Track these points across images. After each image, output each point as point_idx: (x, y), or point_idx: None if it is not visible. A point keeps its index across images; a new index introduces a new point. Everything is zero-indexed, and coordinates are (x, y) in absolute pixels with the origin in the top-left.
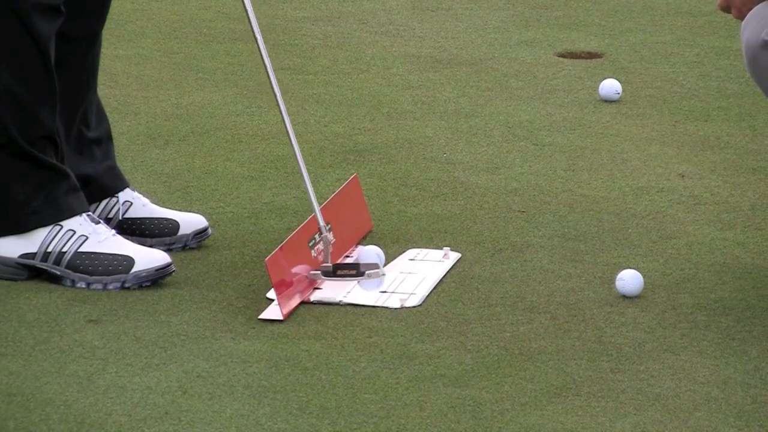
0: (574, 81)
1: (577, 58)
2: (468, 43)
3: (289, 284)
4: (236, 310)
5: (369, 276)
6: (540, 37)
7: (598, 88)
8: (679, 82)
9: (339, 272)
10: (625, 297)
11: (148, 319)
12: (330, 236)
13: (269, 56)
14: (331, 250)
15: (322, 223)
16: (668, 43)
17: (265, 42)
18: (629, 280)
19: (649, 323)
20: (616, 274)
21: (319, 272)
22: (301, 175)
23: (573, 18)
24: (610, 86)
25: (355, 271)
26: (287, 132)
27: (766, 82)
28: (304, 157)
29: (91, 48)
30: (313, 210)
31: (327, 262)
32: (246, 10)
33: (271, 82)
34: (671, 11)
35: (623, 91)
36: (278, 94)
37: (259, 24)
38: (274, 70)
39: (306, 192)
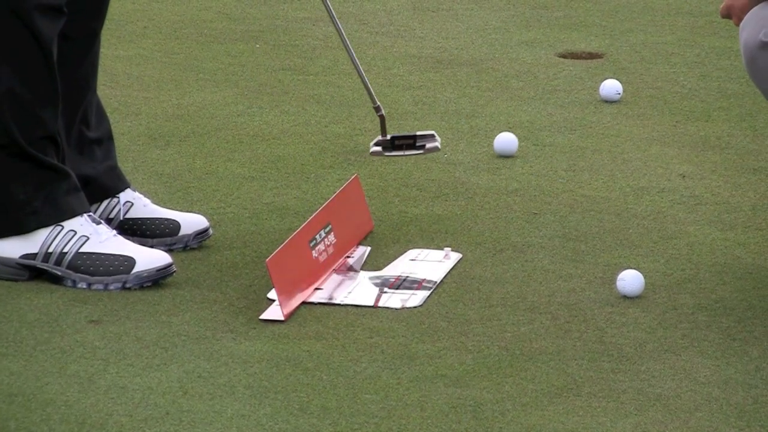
0: (574, 81)
1: (577, 58)
2: (468, 43)
3: (290, 285)
4: (237, 310)
5: (426, 149)
6: (541, 38)
7: (598, 88)
8: (679, 82)
9: (397, 142)
10: (625, 297)
11: (149, 319)
12: (384, 113)
13: (272, 56)
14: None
15: (377, 102)
16: (669, 43)
17: (266, 42)
18: (630, 280)
19: (650, 323)
20: (617, 275)
21: (379, 147)
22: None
23: (573, 18)
24: (611, 86)
25: (413, 140)
26: (359, 73)
27: (765, 83)
28: (303, 157)
29: (90, 48)
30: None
31: (384, 136)
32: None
33: (344, 41)
34: (672, 11)
35: (624, 91)
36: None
37: (260, 24)
38: (274, 71)
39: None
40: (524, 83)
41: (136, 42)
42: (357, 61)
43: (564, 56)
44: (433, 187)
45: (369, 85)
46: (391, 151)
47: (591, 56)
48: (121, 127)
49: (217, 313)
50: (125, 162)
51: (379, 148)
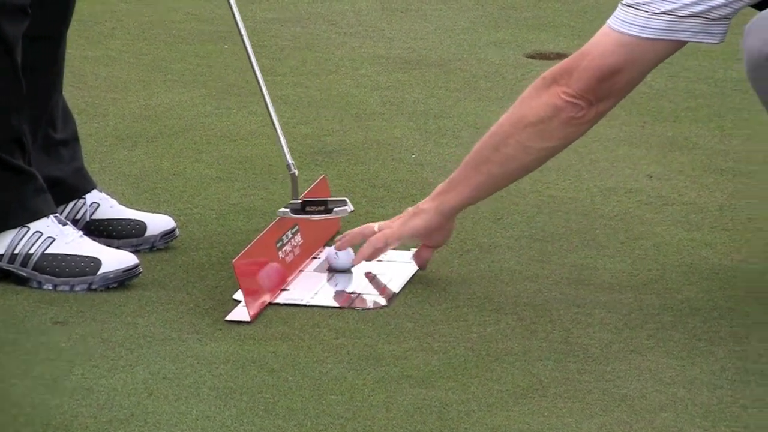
0: None
1: (546, 58)
2: (437, 44)
3: (257, 286)
4: (203, 311)
5: (336, 213)
6: (509, 38)
7: None
8: (647, 82)
9: (308, 208)
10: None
11: (115, 320)
12: (296, 172)
13: (240, 57)
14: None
15: (290, 160)
16: None
17: (234, 43)
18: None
19: (616, 324)
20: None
21: (287, 210)
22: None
23: (542, 19)
24: None
25: (324, 207)
26: (274, 129)
27: (764, 91)
28: (271, 158)
29: (56, 49)
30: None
31: (296, 199)
32: (232, 11)
33: (255, 74)
34: None
35: None
36: (266, 96)
37: (228, 25)
38: (243, 71)
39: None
40: (492, 84)
41: (104, 43)
42: (265, 88)
43: (532, 57)
44: (400, 187)
45: (282, 138)
46: (299, 214)
47: (559, 56)
48: (88, 128)
49: (183, 314)
50: (92, 163)
51: (287, 210)
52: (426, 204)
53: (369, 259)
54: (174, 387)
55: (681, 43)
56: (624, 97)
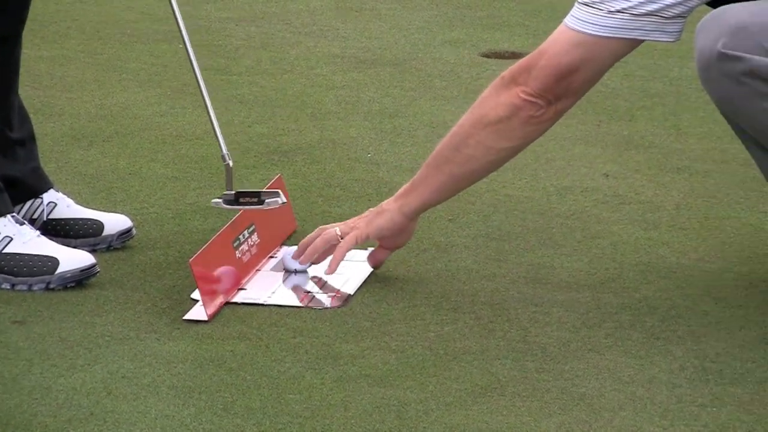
0: None
1: (501, 58)
2: (392, 43)
3: (214, 285)
4: (161, 310)
5: (268, 204)
6: (464, 37)
7: None
8: (603, 81)
9: (241, 200)
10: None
11: (73, 320)
12: (231, 162)
13: (195, 57)
14: (241, 200)
15: (224, 150)
16: None
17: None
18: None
19: (573, 323)
20: (540, 273)
21: (220, 200)
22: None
23: (497, 18)
24: None
25: (257, 198)
26: (210, 120)
27: (715, 92)
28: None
29: (12, 49)
30: (218, 145)
31: (230, 190)
32: (173, 11)
33: (198, 81)
34: None
35: None
36: (204, 92)
37: (184, 25)
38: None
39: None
40: (448, 83)
41: (59, 42)
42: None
43: (487, 56)
44: (356, 187)
45: (217, 129)
46: (232, 204)
47: (514, 56)
48: (44, 127)
49: (141, 313)
50: (48, 162)
51: (219, 200)
52: (389, 205)
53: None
54: (133, 386)
55: (636, 42)
56: (582, 95)
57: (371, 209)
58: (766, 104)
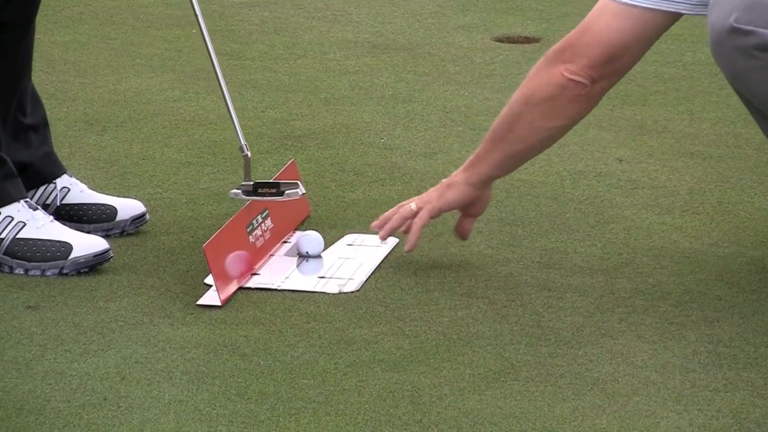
0: (511, 66)
1: (514, 42)
2: (405, 28)
3: (227, 270)
4: (174, 296)
5: (288, 195)
6: (477, 22)
7: None
8: None
9: (260, 190)
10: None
11: (87, 305)
12: (249, 153)
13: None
14: (251, 180)
15: (242, 141)
16: None
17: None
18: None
19: (587, 308)
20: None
21: (239, 191)
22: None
23: (510, 2)
24: None
25: (276, 189)
26: (228, 111)
27: (729, 67)
28: None
29: (25, 34)
30: (233, 124)
31: (248, 180)
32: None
33: (214, 67)
34: None
35: None
36: (221, 78)
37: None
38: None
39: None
40: (461, 68)
41: (73, 27)
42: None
43: (500, 40)
44: (369, 172)
45: (235, 119)
46: (251, 195)
47: (527, 40)
48: (57, 112)
49: (155, 298)
50: (62, 148)
51: (238, 191)
52: (457, 176)
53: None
54: (146, 371)
55: (679, 16)
56: (625, 73)
57: (443, 180)
58: None
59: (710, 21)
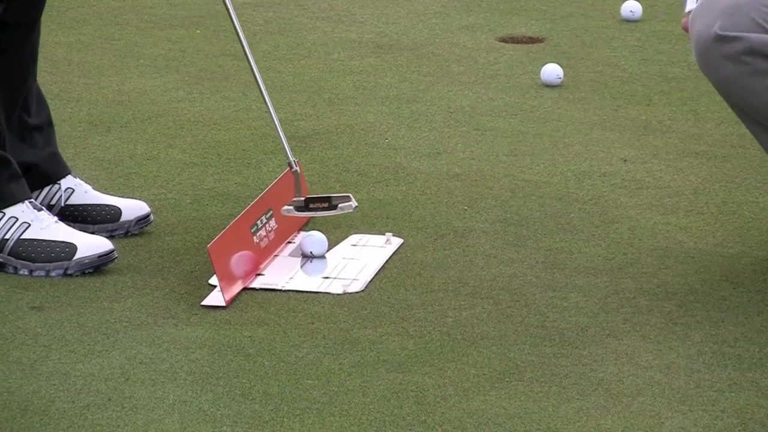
0: (515, 66)
1: (518, 42)
2: (409, 28)
3: (232, 270)
4: (179, 296)
5: (342, 209)
6: (481, 22)
7: (539, 72)
8: (620, 66)
9: (311, 206)
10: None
11: (91, 305)
12: (299, 169)
13: (213, 42)
14: (302, 183)
15: (291, 157)
16: (610, 27)
17: (206, 28)
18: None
19: (591, 308)
20: (558, 258)
21: (291, 207)
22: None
23: (514, 3)
24: (552, 71)
25: (327, 203)
26: (276, 128)
27: (716, 75)
28: (244, 143)
29: (30, 35)
30: (282, 143)
31: (299, 196)
32: (228, 9)
33: (254, 73)
34: None
35: (565, 75)
36: (261, 84)
37: (200, 11)
38: (215, 56)
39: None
40: (465, 68)
41: (77, 28)
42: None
43: (504, 41)
44: (374, 172)
45: (282, 136)
46: (303, 211)
47: (532, 40)
48: (61, 113)
49: (159, 299)
50: (66, 148)
51: (290, 207)
52: None
53: None
54: (150, 372)
55: None
56: None
57: None
58: None
59: (694, 32)
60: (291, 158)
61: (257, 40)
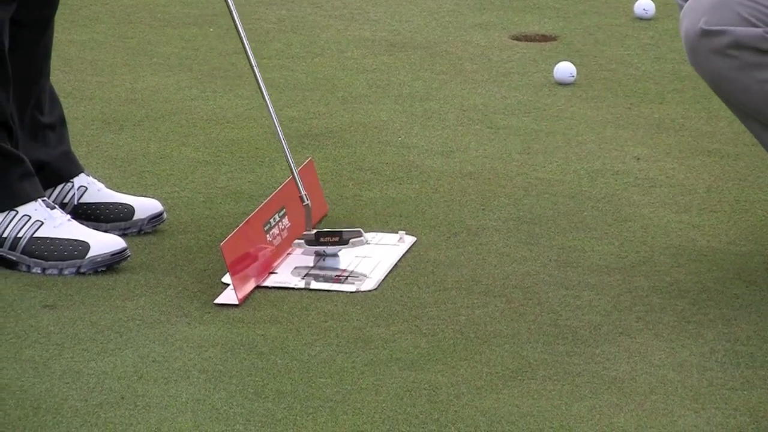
0: (528, 64)
1: (531, 41)
2: (422, 26)
3: (245, 269)
4: (191, 294)
5: (353, 244)
6: (494, 20)
7: (552, 71)
8: (634, 64)
9: (322, 239)
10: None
11: (104, 304)
12: (310, 203)
13: (226, 40)
14: (311, 220)
15: (302, 191)
16: (623, 25)
17: (219, 27)
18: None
19: (604, 306)
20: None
21: (302, 241)
22: (283, 149)
23: (527, 1)
24: (565, 69)
25: (338, 238)
26: (270, 115)
27: (706, 71)
28: (258, 142)
29: (43, 33)
30: (294, 178)
31: (309, 230)
32: (229, 6)
33: (253, 71)
34: None
35: (578, 74)
36: (261, 81)
37: (213, 9)
38: (228, 55)
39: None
40: (478, 66)
41: (90, 26)
42: (278, 124)
43: (518, 39)
44: (387, 170)
45: (295, 173)
46: (313, 245)
47: (545, 39)
48: (74, 111)
49: (172, 297)
50: (79, 146)
51: (301, 241)
52: None
53: None
54: (163, 370)
55: None
56: None
57: None
58: (758, 74)
59: (682, 30)
60: (302, 192)
61: (270, 38)
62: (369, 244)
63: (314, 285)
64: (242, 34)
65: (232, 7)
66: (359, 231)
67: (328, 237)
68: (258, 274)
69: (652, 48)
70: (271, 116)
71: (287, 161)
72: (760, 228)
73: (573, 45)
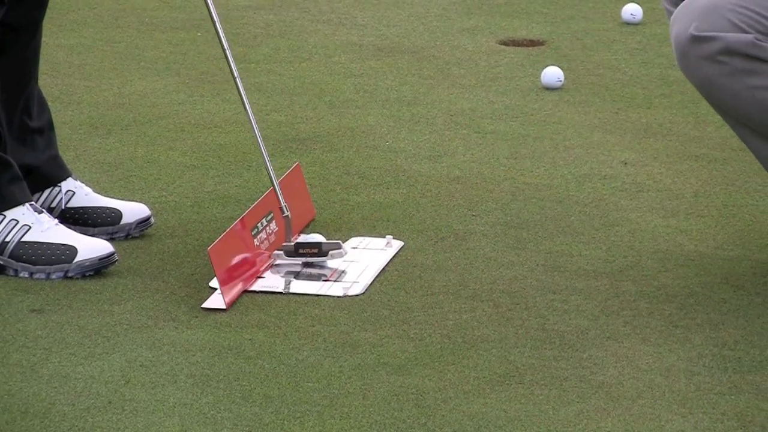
0: (516, 69)
1: (519, 45)
2: (410, 31)
3: (232, 273)
4: (179, 299)
5: (332, 256)
6: (482, 25)
7: (540, 75)
8: (621, 69)
9: (301, 251)
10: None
11: (91, 308)
12: (290, 214)
13: (214, 45)
14: (292, 229)
15: (283, 202)
16: (610, 30)
17: (207, 31)
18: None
19: (592, 311)
20: (559, 261)
21: (281, 252)
22: (263, 158)
23: (515, 5)
24: (552, 74)
25: (318, 250)
26: (249, 120)
27: (696, 77)
28: (246, 146)
29: (32, 37)
30: (274, 189)
31: (288, 241)
32: (208, 6)
33: (233, 74)
34: None
35: (565, 78)
36: (240, 86)
37: (201, 13)
38: (216, 59)
39: (267, 173)
40: (465, 71)
41: (78, 31)
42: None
43: (505, 43)
44: (374, 175)
45: (275, 182)
46: (292, 256)
47: (532, 43)
48: (62, 115)
49: (159, 301)
50: (67, 151)
51: (280, 252)
52: None
53: None
54: (151, 374)
55: None
56: None
57: None
58: (748, 80)
59: (673, 35)
60: (283, 203)
61: (258, 42)
62: (347, 254)
63: (301, 286)
64: (225, 44)
65: (215, 17)
66: (338, 243)
67: (307, 249)
68: (245, 278)
69: (639, 53)
70: (253, 128)
71: (268, 173)
72: (748, 232)
73: (560, 50)
